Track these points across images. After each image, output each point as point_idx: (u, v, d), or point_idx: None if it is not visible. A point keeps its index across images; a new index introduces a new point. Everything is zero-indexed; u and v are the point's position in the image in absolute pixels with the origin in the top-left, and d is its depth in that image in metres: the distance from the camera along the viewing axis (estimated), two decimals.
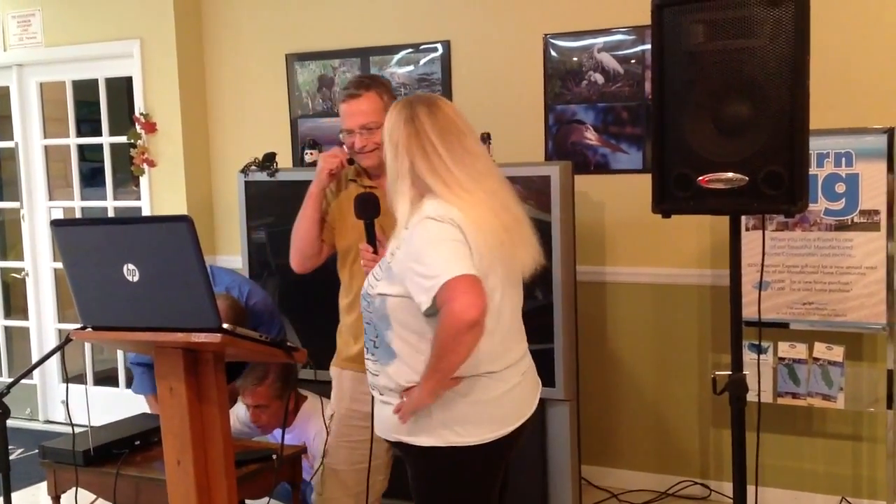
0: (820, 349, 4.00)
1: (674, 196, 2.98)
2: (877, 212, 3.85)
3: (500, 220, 2.44)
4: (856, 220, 3.88)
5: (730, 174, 2.86)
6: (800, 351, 4.04)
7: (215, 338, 2.45)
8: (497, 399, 2.49)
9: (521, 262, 2.51)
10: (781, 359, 4.07)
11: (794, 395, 4.06)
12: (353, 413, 3.09)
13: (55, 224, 2.67)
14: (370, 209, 2.84)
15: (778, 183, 2.81)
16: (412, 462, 2.57)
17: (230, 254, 5.33)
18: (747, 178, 2.84)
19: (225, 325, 2.46)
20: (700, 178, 2.90)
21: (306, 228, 3.08)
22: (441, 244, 2.35)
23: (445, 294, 2.28)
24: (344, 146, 3.11)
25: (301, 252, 3.12)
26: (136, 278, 2.48)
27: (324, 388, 3.22)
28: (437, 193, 2.42)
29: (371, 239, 2.83)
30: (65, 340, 2.81)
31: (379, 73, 4.96)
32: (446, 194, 2.42)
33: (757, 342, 3.86)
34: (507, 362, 2.53)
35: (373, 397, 2.65)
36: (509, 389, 2.52)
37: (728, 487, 4.34)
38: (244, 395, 3.82)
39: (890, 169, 3.81)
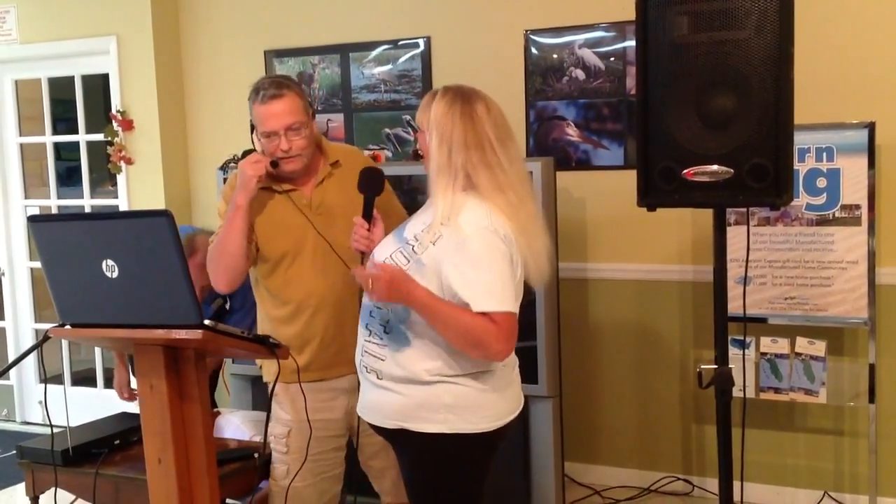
0: (802, 344, 4.01)
1: (659, 189, 2.97)
2: (858, 206, 3.86)
3: (538, 225, 2.52)
4: (837, 214, 3.89)
5: (715, 167, 2.86)
6: (782, 346, 4.04)
7: (196, 334, 2.42)
8: (503, 389, 2.56)
9: (541, 270, 2.55)
10: (763, 354, 4.07)
11: (777, 390, 4.07)
12: (315, 424, 2.97)
13: (32, 220, 2.62)
14: (377, 184, 2.78)
15: (763, 176, 2.80)
16: (412, 450, 2.56)
17: None
18: (732, 170, 2.84)
19: (206, 322, 2.43)
20: (685, 171, 2.90)
21: (238, 244, 2.86)
22: (499, 264, 2.40)
23: (489, 323, 2.36)
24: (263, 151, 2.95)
25: (232, 270, 2.91)
26: (115, 274, 2.44)
27: None
28: (484, 192, 2.44)
29: (368, 214, 2.74)
30: (43, 338, 2.75)
31: (360, 70, 4.94)
32: (495, 195, 2.44)
33: (739, 337, 3.86)
34: (512, 356, 2.60)
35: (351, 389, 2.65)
36: (512, 381, 2.62)
37: (710, 483, 4.36)
38: None
39: (871, 164, 3.82)
